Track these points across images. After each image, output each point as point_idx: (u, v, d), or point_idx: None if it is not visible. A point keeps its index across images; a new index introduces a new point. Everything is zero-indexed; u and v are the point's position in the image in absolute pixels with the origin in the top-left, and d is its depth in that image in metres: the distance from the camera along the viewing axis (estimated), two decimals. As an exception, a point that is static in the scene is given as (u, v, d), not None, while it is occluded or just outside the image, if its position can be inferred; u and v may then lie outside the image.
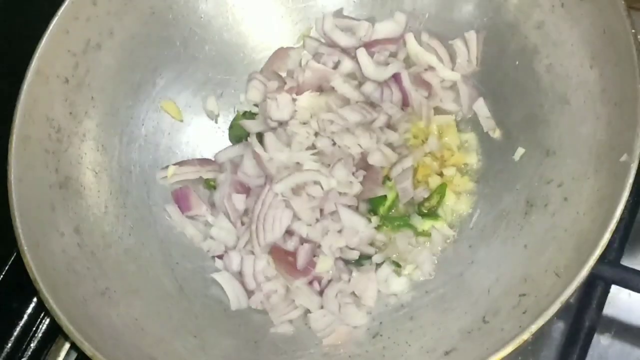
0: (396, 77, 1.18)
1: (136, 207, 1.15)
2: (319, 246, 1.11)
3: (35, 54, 1.06)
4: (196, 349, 1.04)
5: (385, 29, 1.22)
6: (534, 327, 0.83)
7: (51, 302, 0.94)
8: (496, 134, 1.14)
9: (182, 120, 1.22)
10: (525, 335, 0.83)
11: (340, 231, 1.11)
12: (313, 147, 1.15)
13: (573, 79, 1.02)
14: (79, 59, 1.11)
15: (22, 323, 1.13)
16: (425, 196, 1.13)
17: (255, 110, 1.24)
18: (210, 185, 1.20)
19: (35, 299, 1.13)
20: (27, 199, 1.01)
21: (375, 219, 1.12)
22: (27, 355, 1.13)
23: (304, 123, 1.18)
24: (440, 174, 1.15)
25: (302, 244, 1.11)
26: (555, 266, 0.92)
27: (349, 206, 1.11)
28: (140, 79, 1.19)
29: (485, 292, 1.00)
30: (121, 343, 0.98)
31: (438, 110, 1.19)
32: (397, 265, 1.11)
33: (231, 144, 1.24)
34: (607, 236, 0.85)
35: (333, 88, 1.19)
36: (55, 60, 1.08)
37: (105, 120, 1.15)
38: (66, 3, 1.08)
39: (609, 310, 1.00)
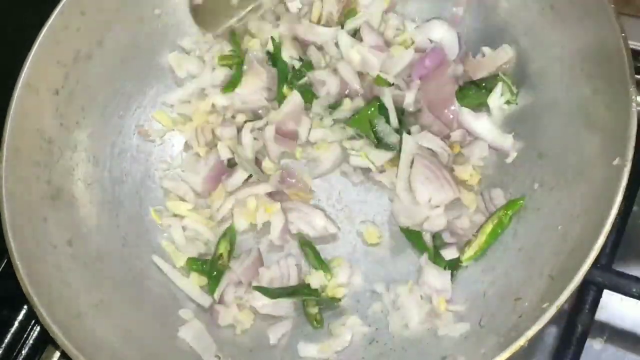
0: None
1: (129, 218, 1.14)
2: None
3: (25, 65, 1.05)
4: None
5: None
6: (530, 333, 0.83)
7: (45, 317, 0.93)
8: None
9: (173, 129, 1.21)
10: (522, 341, 0.83)
11: None
12: None
13: (564, 81, 1.03)
14: (69, 70, 1.10)
15: (12, 330, 1.12)
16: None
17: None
18: None
19: (25, 307, 1.12)
20: (19, 212, 1.01)
21: None
22: (19, 363, 1.13)
23: None
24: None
25: None
26: (550, 269, 0.92)
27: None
28: (131, 88, 1.18)
29: (481, 296, 1.01)
30: (117, 355, 0.98)
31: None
32: None
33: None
34: (601, 239, 0.85)
35: None
36: (45, 72, 1.08)
37: (97, 131, 1.14)
38: (55, 13, 1.07)
39: (601, 314, 1.01)
